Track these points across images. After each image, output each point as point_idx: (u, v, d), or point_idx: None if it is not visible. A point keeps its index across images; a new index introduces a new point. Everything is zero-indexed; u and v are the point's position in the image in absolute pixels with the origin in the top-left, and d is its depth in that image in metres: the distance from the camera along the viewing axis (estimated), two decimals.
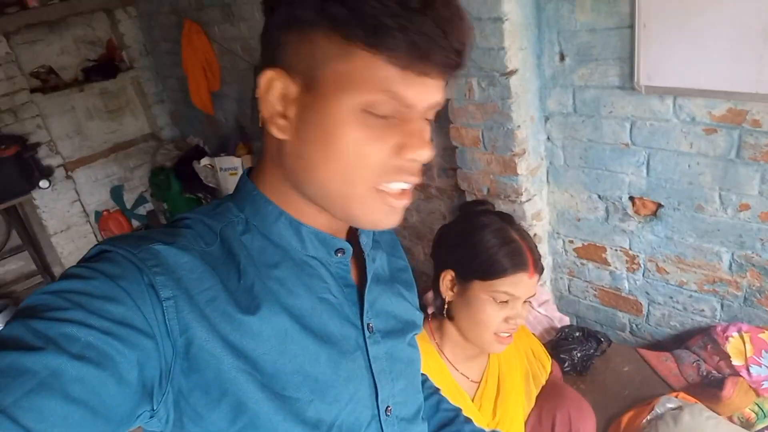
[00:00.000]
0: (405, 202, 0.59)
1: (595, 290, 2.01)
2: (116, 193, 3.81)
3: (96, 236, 3.67)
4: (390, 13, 0.49)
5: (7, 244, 3.37)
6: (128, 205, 3.87)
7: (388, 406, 0.68)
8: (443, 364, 1.17)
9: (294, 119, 0.56)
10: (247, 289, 0.57)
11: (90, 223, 3.65)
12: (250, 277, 0.58)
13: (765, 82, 1.34)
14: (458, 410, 0.90)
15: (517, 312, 1.08)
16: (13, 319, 0.46)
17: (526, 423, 1.29)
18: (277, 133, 0.57)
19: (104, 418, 0.45)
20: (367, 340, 0.66)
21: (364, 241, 0.70)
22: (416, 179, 0.58)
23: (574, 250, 1.99)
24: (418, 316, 0.79)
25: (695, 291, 1.74)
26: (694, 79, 1.45)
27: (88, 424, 0.44)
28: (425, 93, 0.55)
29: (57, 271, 3.54)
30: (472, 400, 1.18)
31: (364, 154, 0.54)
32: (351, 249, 0.65)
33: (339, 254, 0.64)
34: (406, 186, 0.58)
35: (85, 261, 0.53)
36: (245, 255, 0.59)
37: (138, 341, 0.48)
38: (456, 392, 1.16)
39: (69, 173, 3.47)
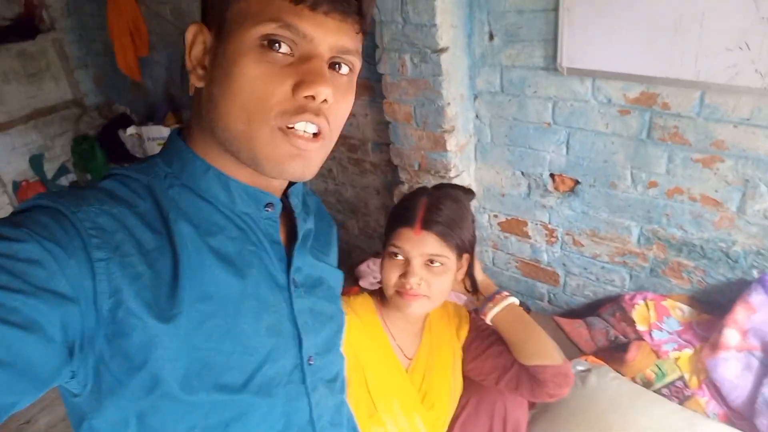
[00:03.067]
0: (314, 146, 0.59)
1: (517, 262, 2.11)
2: (36, 162, 3.61)
3: (14, 207, 3.47)
4: None
5: None
6: (49, 176, 3.68)
7: (310, 356, 0.72)
8: (385, 337, 1.22)
9: (208, 66, 0.59)
10: (177, 245, 0.59)
11: (7, 194, 3.44)
12: (180, 236, 0.59)
13: (675, 67, 1.44)
14: None
15: (411, 270, 1.11)
16: None
17: (461, 411, 1.33)
18: (196, 81, 0.60)
19: (29, 379, 0.47)
20: (293, 294, 0.69)
21: (295, 202, 0.72)
22: (319, 120, 0.58)
23: (498, 224, 2.08)
24: (338, 276, 0.83)
25: (607, 262, 1.86)
26: (612, 62, 1.54)
27: (14, 384, 0.46)
28: (322, 30, 0.56)
29: None
30: (406, 371, 1.23)
31: (262, 90, 0.55)
32: (280, 204, 0.67)
33: (268, 209, 0.66)
34: (311, 128, 0.58)
35: (20, 212, 0.53)
36: (174, 208, 0.60)
37: (60, 304, 0.49)
38: (393, 362, 1.21)
39: None
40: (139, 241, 0.56)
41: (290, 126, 0.57)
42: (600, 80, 1.60)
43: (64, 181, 3.76)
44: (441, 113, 1.82)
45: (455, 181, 1.95)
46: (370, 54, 2.00)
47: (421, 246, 1.11)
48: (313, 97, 0.56)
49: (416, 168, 2.00)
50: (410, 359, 1.25)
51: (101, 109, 3.73)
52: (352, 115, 2.29)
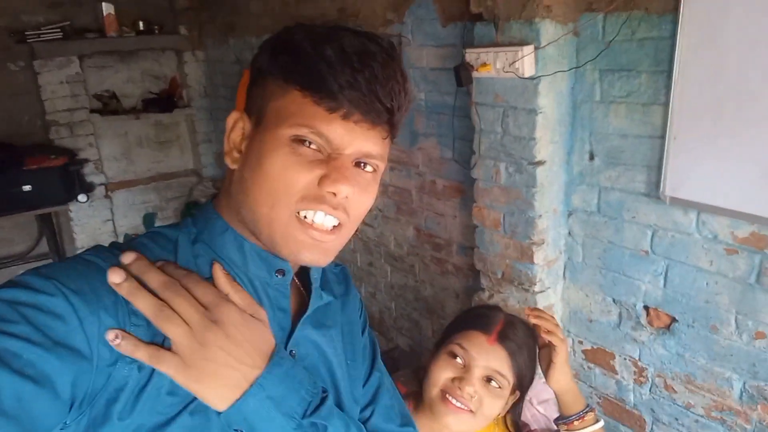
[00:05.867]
0: (330, 237, 0.62)
1: (600, 398, 1.93)
2: (148, 219, 3.93)
3: None
4: (327, 63, 0.57)
5: (35, 250, 3.47)
6: None
7: None
8: None
9: (244, 151, 0.64)
10: None
11: None
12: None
13: None
14: None
15: (471, 380, 1.03)
16: None
17: None
18: (230, 163, 0.65)
19: None
20: None
21: (314, 275, 0.73)
22: (337, 213, 0.62)
23: (583, 351, 1.93)
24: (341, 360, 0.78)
25: (702, 416, 1.65)
26: (720, 196, 1.44)
27: None
28: (351, 138, 0.60)
29: None
30: None
31: (288, 178, 0.59)
32: (291, 272, 0.68)
33: (279, 275, 0.67)
34: (329, 221, 0.62)
35: (74, 257, 0.58)
36: (193, 265, 0.64)
37: (75, 361, 0.51)
38: None
39: (109, 193, 3.62)
40: None
41: (306, 216, 0.61)
42: (706, 214, 1.50)
43: None
44: (531, 224, 1.77)
45: (540, 297, 1.86)
46: (465, 160, 2.03)
47: (489, 357, 1.05)
48: (334, 194, 0.60)
49: (499, 276, 1.94)
50: None
51: (216, 181, 4.05)
52: (441, 215, 2.31)
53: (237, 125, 0.65)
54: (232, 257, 0.65)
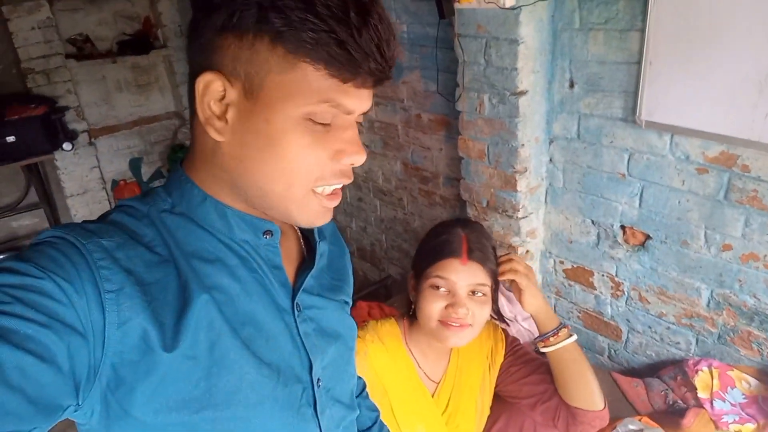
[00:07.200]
0: (337, 201, 0.65)
1: (579, 312, 2.07)
2: (135, 164, 3.93)
3: (110, 203, 3.78)
4: (330, 28, 0.52)
5: (24, 200, 3.49)
6: (144, 178, 3.99)
7: (319, 378, 0.72)
8: (410, 362, 1.25)
9: (233, 123, 0.58)
10: (183, 281, 0.60)
11: (106, 190, 3.76)
12: (182, 266, 0.61)
13: (757, 129, 1.40)
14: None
15: (459, 301, 1.13)
16: None
17: (493, 425, 1.36)
18: (214, 134, 0.59)
19: (36, 407, 0.48)
20: (297, 319, 0.69)
21: (314, 231, 0.75)
22: (350, 179, 0.64)
23: (564, 271, 2.05)
24: (346, 295, 0.83)
25: (673, 323, 1.80)
26: (692, 119, 1.52)
27: (21, 411, 0.46)
28: (362, 102, 0.60)
29: None
30: (432, 397, 1.26)
31: (307, 159, 0.59)
32: (279, 231, 0.68)
33: (267, 236, 0.67)
34: (339, 186, 0.64)
35: (34, 245, 0.56)
36: (173, 236, 0.62)
37: (69, 335, 0.51)
38: (418, 388, 1.24)
39: (92, 140, 3.59)
40: (146, 270, 0.58)
41: (323, 189, 0.62)
42: (678, 136, 1.58)
43: (158, 184, 4.03)
44: (514, 154, 1.84)
45: (523, 222, 1.96)
46: (449, 92, 2.07)
47: (468, 276, 1.14)
48: (352, 164, 0.62)
49: (484, 205, 2.03)
50: (437, 382, 1.27)
51: None
52: (427, 148, 2.37)
53: (212, 88, 0.58)
54: (216, 225, 0.64)
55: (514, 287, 1.22)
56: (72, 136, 3.42)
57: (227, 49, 0.56)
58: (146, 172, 4.00)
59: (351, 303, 0.84)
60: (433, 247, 1.19)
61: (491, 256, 1.19)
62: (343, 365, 0.80)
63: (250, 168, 0.60)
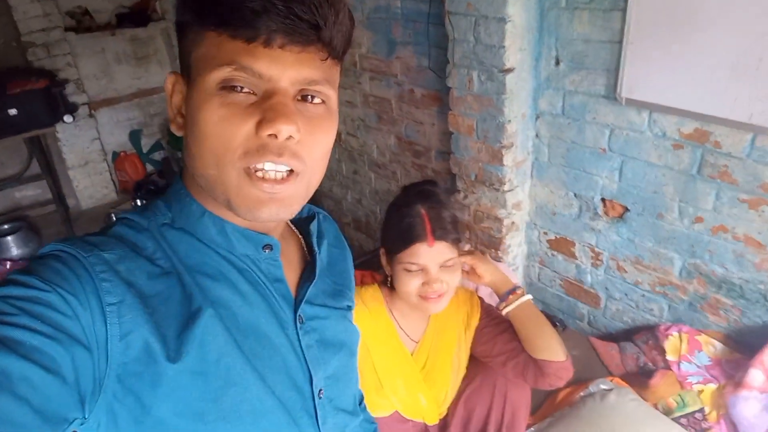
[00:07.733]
0: (285, 187, 0.57)
1: (561, 280, 2.17)
2: (135, 136, 3.99)
3: (111, 174, 3.86)
4: None
5: (27, 171, 3.56)
6: (145, 150, 4.06)
7: (320, 389, 0.72)
8: (391, 324, 1.36)
9: (185, 115, 0.60)
10: (188, 293, 0.60)
11: (107, 162, 3.84)
12: (185, 279, 0.61)
13: (728, 108, 1.48)
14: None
15: (433, 277, 1.23)
16: None
17: (467, 386, 1.46)
18: (176, 130, 0.61)
19: (42, 418, 0.47)
20: (299, 331, 0.69)
21: (313, 240, 0.75)
22: (285, 160, 0.56)
23: (547, 241, 2.15)
24: (349, 300, 0.83)
25: (648, 291, 1.90)
26: (670, 97, 1.59)
27: (28, 422, 0.46)
28: (280, 65, 0.55)
29: (71, 202, 3.74)
30: (411, 355, 1.37)
31: (226, 132, 0.55)
32: (279, 244, 0.67)
33: (266, 250, 0.66)
34: (281, 168, 0.57)
35: (37, 259, 0.56)
36: (175, 251, 0.62)
37: (74, 348, 0.51)
38: (398, 348, 1.35)
39: (93, 112, 3.65)
40: (148, 282, 0.58)
41: (257, 168, 0.56)
42: (656, 113, 1.65)
43: (158, 156, 4.13)
44: (501, 129, 1.92)
45: (509, 195, 2.05)
46: (441, 68, 2.13)
47: (436, 255, 1.24)
48: (275, 136, 0.55)
49: (473, 178, 2.11)
50: (416, 342, 1.38)
51: None
52: (420, 123, 2.44)
53: (176, 88, 0.61)
54: (216, 240, 0.64)
55: (470, 272, 1.35)
56: (72, 109, 3.48)
57: (179, 49, 0.61)
58: (146, 144, 4.07)
59: (353, 306, 0.85)
60: (399, 232, 1.26)
61: (451, 226, 1.27)
62: (347, 373, 0.80)
63: (192, 154, 0.59)
